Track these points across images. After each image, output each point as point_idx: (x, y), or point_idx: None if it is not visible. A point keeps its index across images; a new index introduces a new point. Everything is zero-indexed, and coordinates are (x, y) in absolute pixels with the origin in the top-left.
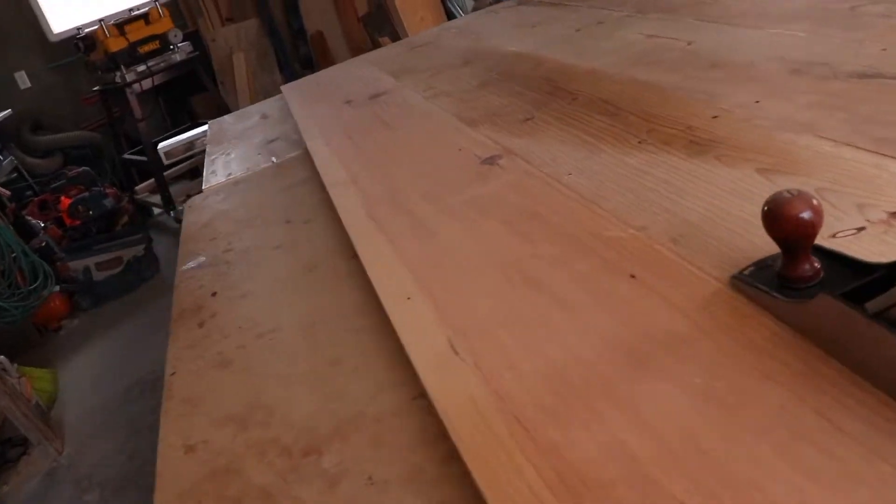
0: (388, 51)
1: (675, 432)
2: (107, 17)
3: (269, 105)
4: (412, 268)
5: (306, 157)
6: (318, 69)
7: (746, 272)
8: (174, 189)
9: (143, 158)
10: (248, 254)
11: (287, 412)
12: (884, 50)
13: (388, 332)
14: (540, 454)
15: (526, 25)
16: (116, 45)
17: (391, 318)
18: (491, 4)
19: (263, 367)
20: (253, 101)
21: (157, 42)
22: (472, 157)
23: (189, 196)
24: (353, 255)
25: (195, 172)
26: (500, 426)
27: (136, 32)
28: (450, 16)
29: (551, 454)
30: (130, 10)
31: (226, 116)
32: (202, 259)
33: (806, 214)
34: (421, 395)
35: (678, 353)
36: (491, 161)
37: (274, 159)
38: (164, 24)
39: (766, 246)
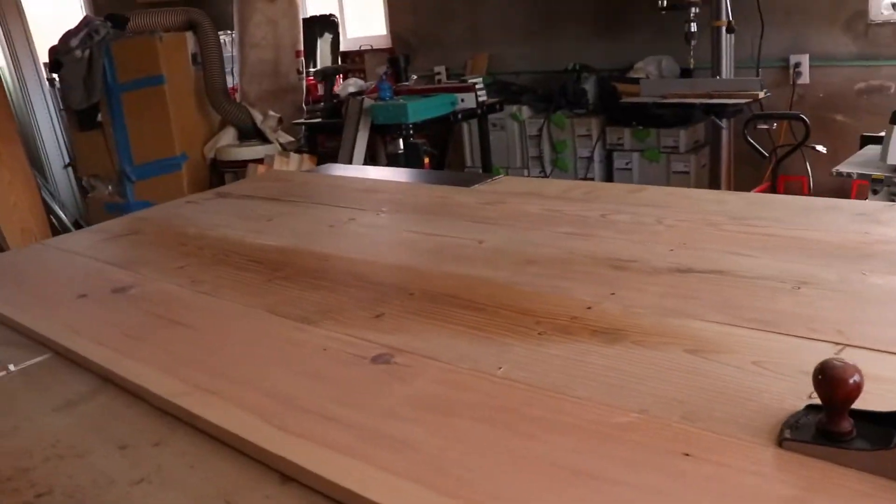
0: (82, 238)
1: None
2: None
3: None
4: (425, 482)
5: (63, 363)
6: None
7: (787, 434)
8: None
9: None
10: (90, 496)
11: None
12: (671, 250)
13: None
14: None
15: (257, 218)
16: None
17: None
18: (112, 195)
19: None
20: None
21: None
22: (351, 356)
23: None
24: (286, 480)
25: None
26: None
27: None
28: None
29: None
30: None
31: None
32: None
33: (857, 378)
34: None
35: None
36: (383, 360)
37: (11, 366)
38: None
39: (764, 409)
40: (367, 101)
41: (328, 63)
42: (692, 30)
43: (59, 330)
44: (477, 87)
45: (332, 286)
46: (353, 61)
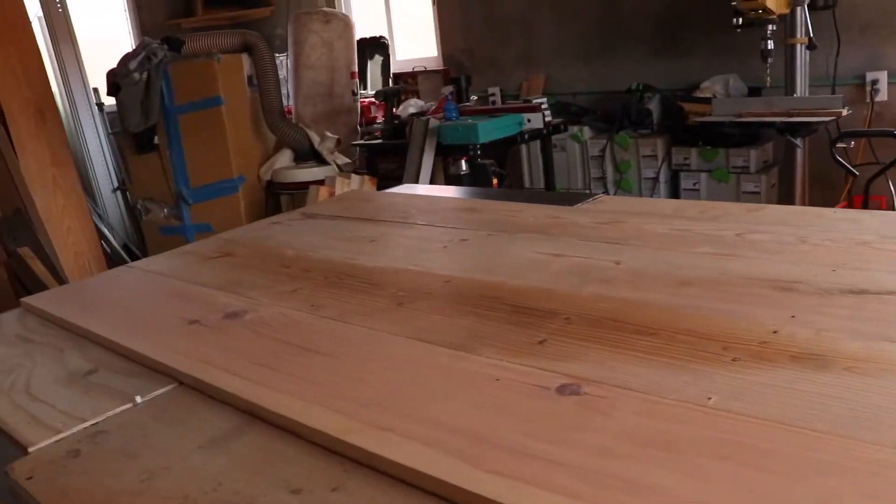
0: (170, 261)
1: None
2: None
3: (7, 323)
4: None
5: (192, 394)
6: None
7: None
8: None
9: None
10: None
11: None
12: (834, 271)
13: None
14: None
15: (356, 239)
16: None
17: None
18: (168, 218)
19: None
20: None
21: None
22: (531, 387)
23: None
24: None
25: None
26: None
27: None
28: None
29: None
30: None
31: None
32: None
33: None
34: None
35: None
36: (571, 390)
37: (138, 398)
38: None
39: None
40: (433, 122)
41: (379, 85)
42: (769, 47)
43: (185, 360)
44: (543, 107)
45: (473, 310)
46: (405, 83)
